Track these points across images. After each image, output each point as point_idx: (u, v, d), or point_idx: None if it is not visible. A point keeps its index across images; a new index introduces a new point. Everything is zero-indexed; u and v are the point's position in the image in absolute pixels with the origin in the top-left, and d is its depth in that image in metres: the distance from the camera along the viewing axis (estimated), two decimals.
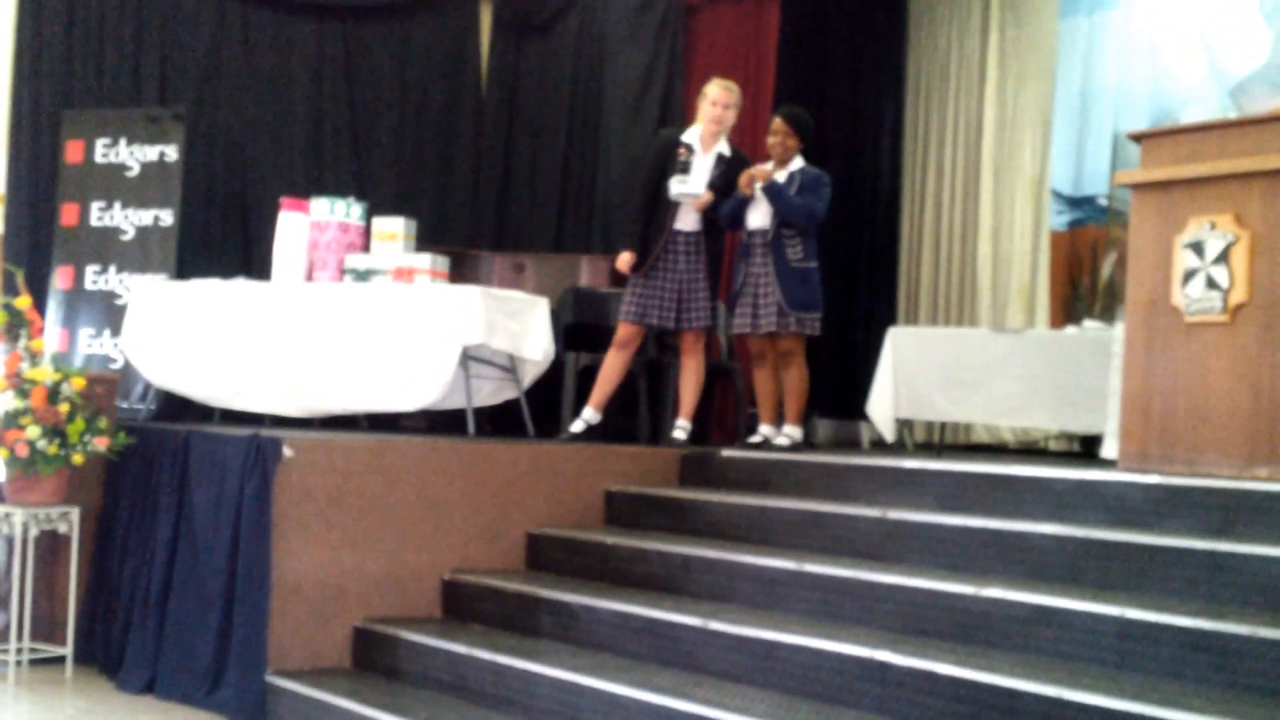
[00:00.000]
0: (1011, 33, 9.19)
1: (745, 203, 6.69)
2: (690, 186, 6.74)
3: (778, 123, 6.74)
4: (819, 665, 4.37)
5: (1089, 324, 7.38)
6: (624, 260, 6.90)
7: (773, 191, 6.58)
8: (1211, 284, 4.86)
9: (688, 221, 6.82)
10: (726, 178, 6.78)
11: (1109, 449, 6.19)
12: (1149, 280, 5.09)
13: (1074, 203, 8.65)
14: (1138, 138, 5.35)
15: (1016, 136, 9.10)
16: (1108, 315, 7.80)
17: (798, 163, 6.72)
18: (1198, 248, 4.91)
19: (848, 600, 4.76)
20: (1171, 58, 8.04)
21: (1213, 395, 4.85)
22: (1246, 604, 4.12)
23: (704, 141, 6.87)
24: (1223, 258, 4.84)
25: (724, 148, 6.87)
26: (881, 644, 4.31)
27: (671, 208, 6.80)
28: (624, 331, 6.89)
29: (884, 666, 4.19)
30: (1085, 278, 8.51)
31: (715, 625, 4.70)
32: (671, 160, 6.80)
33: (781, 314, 6.56)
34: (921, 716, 4.06)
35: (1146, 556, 4.41)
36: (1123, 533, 4.59)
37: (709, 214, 6.79)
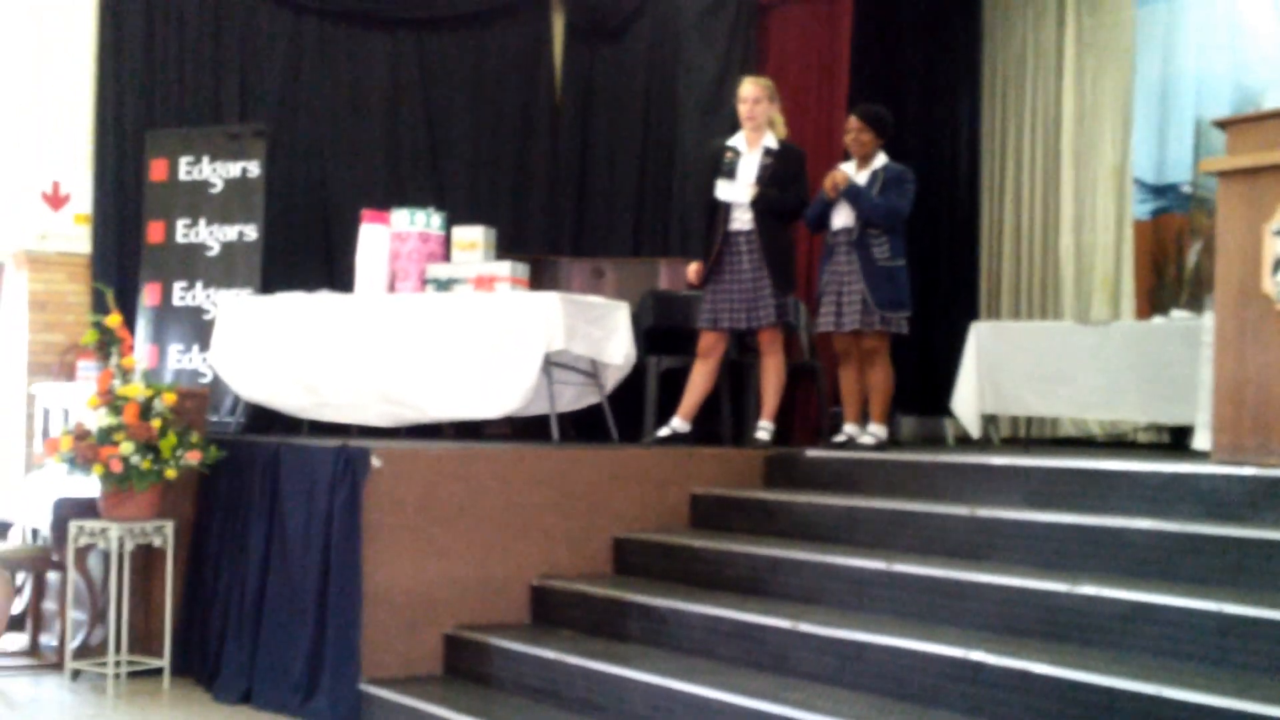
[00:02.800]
0: (1088, 21, 9.07)
1: (829, 205, 6.68)
2: (733, 190, 6.77)
3: (852, 120, 6.75)
4: (910, 666, 4.34)
5: (1176, 314, 7.27)
6: (692, 270, 7.00)
7: (852, 194, 6.56)
8: None
9: (742, 221, 6.82)
10: (775, 171, 6.78)
11: (1200, 440, 6.10)
12: (1238, 268, 5.01)
13: (1157, 191, 8.52)
14: (1222, 124, 5.28)
15: (1096, 126, 8.98)
16: (1195, 304, 7.67)
17: (880, 159, 6.68)
18: None
19: (938, 600, 4.72)
20: (1252, 41, 7.90)
21: None
22: None
23: (748, 140, 6.88)
24: None
25: (770, 142, 6.86)
26: (974, 644, 4.28)
27: (724, 211, 6.82)
28: (704, 340, 6.92)
29: (977, 666, 4.15)
30: (1171, 267, 8.38)
31: (805, 627, 4.69)
32: (720, 166, 6.85)
33: (866, 311, 6.52)
34: (1016, 717, 4.02)
35: (1243, 550, 4.35)
36: (1219, 526, 4.52)
37: (764, 212, 6.77)
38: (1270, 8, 7.80)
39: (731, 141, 6.98)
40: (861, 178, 6.65)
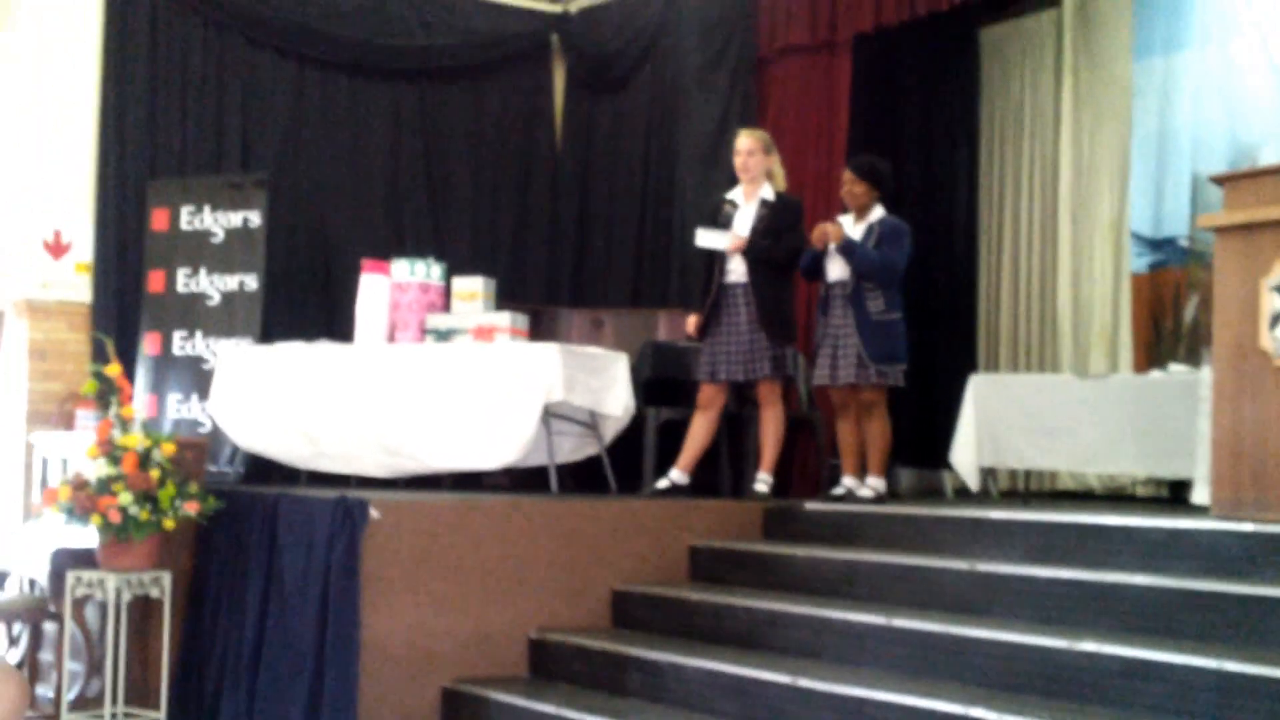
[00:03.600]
0: (1085, 76, 9.13)
1: (821, 256, 6.71)
2: (710, 239, 6.81)
3: (846, 173, 6.79)
4: None
5: (1174, 367, 7.29)
6: (690, 322, 7.05)
7: (846, 249, 6.57)
8: None
9: (737, 274, 6.85)
10: (770, 221, 6.82)
11: (1199, 494, 6.10)
12: (1235, 324, 5.03)
13: (1154, 245, 8.55)
14: (1220, 180, 5.32)
15: (1094, 179, 9.03)
16: (1193, 358, 7.69)
17: (878, 212, 6.71)
18: None
19: (938, 655, 4.71)
20: (1247, 96, 7.96)
21: None
22: None
23: (745, 192, 6.93)
24: None
25: (767, 194, 6.91)
26: (974, 700, 4.26)
27: (720, 263, 6.85)
28: (703, 392, 6.94)
29: None
30: (1168, 320, 8.40)
31: (804, 682, 4.67)
32: (718, 218, 6.92)
33: (861, 365, 6.54)
34: None
35: (1244, 607, 4.34)
36: (1219, 582, 4.52)
37: (757, 263, 6.80)
38: (1265, 64, 7.86)
39: (730, 194, 7.03)
40: (858, 231, 6.67)
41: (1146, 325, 8.49)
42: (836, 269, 6.68)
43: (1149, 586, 4.61)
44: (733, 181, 7.09)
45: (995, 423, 7.43)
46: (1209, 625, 4.39)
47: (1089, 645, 4.32)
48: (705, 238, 6.83)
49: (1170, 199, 8.37)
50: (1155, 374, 7.32)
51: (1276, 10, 7.79)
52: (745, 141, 6.96)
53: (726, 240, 6.79)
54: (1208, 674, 4.01)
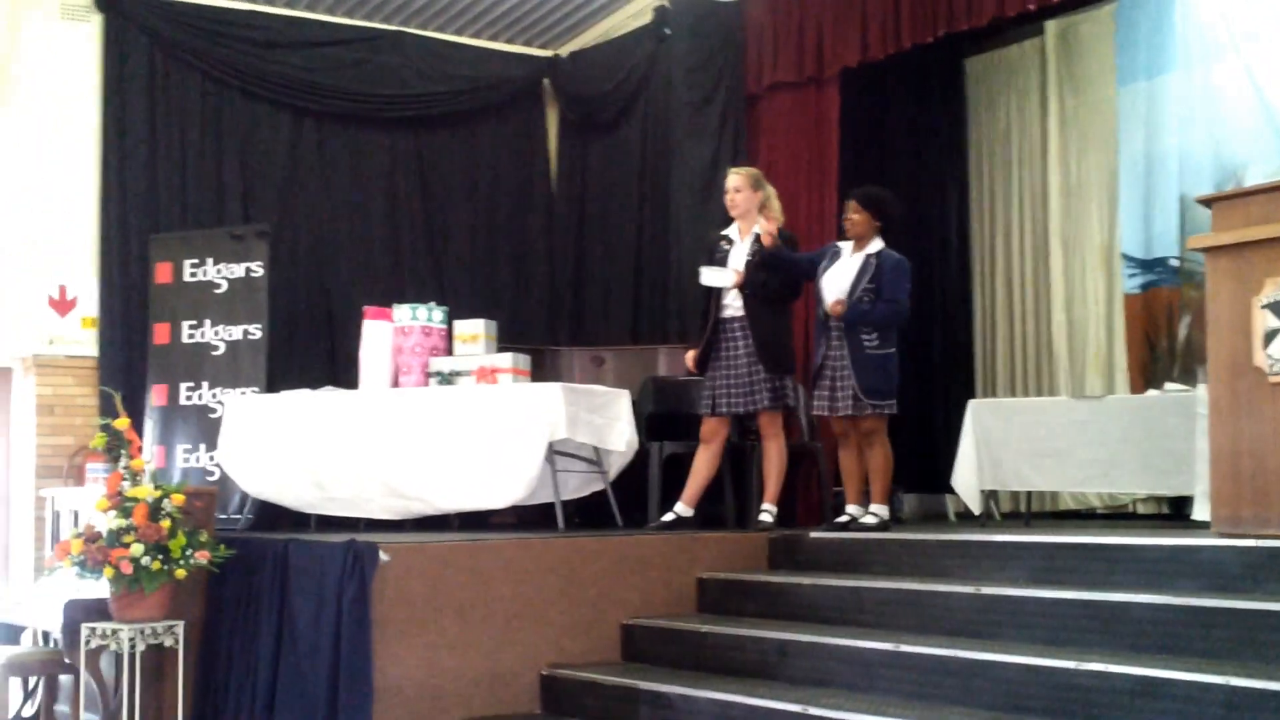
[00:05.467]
0: (1071, 101, 9.25)
1: (796, 264, 6.86)
2: (712, 276, 6.91)
3: (850, 203, 6.82)
4: None
5: (1170, 386, 7.36)
6: (689, 358, 7.15)
7: (852, 318, 6.59)
8: None
9: (733, 308, 6.95)
10: (764, 255, 6.90)
11: (1200, 511, 6.16)
12: (1229, 342, 5.10)
13: (1146, 265, 8.64)
14: (1207, 202, 5.39)
15: (1083, 203, 9.13)
16: (1188, 377, 7.77)
17: (876, 244, 6.74)
18: (1277, 308, 4.92)
19: (946, 680, 4.74)
20: (1231, 117, 8.05)
21: None
22: None
23: (740, 229, 7.05)
24: None
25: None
26: None
27: (716, 298, 6.95)
28: (705, 426, 7.02)
29: None
30: (1163, 340, 8.48)
31: (814, 711, 4.70)
32: (714, 255, 7.02)
33: (857, 399, 6.59)
34: None
35: (1249, 623, 4.38)
36: (1223, 599, 4.56)
37: (752, 297, 6.89)
38: (1248, 85, 7.96)
39: (726, 231, 7.12)
40: (855, 261, 6.70)
41: (1141, 345, 8.57)
42: (833, 296, 6.71)
43: (1153, 604, 4.65)
44: (728, 219, 7.18)
45: (995, 446, 7.50)
46: (1214, 642, 4.43)
47: (1096, 665, 4.36)
48: (709, 276, 6.92)
49: (1159, 220, 8.46)
50: (1152, 393, 7.39)
51: (1256, 33, 7.90)
52: (732, 179, 7.09)
53: (729, 278, 6.88)
54: (1215, 690, 4.03)
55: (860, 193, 6.85)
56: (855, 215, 6.75)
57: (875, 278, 6.63)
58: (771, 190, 7.15)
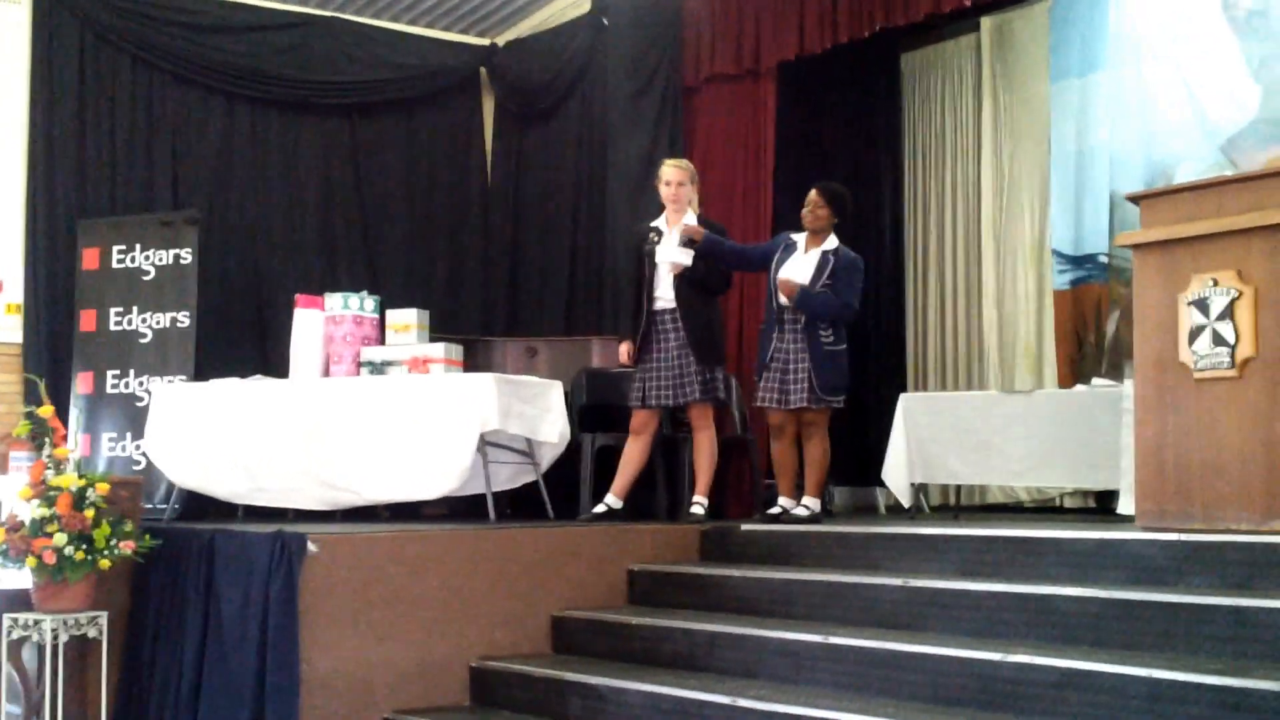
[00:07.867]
0: (1005, 98, 9.33)
1: (743, 254, 6.93)
2: (673, 253, 6.89)
3: (813, 194, 6.77)
4: None
5: (1098, 382, 7.43)
6: (622, 351, 7.16)
7: (802, 303, 6.61)
8: (1218, 340, 4.93)
9: (665, 300, 6.97)
10: (706, 244, 6.90)
11: (1125, 505, 6.24)
12: (1155, 338, 5.16)
13: (1076, 261, 8.70)
14: (1136, 199, 5.45)
15: (1015, 199, 9.21)
16: (1115, 372, 7.84)
17: (832, 241, 6.75)
18: (1202, 305, 4.98)
19: (874, 671, 4.77)
20: (1162, 115, 8.12)
21: (1226, 450, 4.90)
22: (1276, 659, 4.13)
23: (669, 220, 7.05)
24: (1227, 313, 4.92)
25: (690, 219, 7.03)
26: (910, 715, 4.34)
27: (649, 290, 6.95)
28: (636, 418, 7.03)
29: None
30: (1091, 335, 8.56)
31: (743, 702, 4.71)
32: (644, 246, 7.03)
33: (812, 392, 6.60)
34: None
35: (1171, 615, 4.43)
36: (1146, 592, 4.62)
37: (687, 288, 6.91)
38: (1179, 84, 8.04)
39: (655, 222, 7.12)
40: (811, 256, 6.71)
41: (1070, 341, 8.65)
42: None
43: (1079, 597, 4.70)
44: (662, 209, 7.18)
45: (925, 440, 7.55)
46: (1137, 634, 4.48)
47: (1021, 657, 4.40)
48: (669, 254, 6.89)
49: (1089, 217, 8.53)
50: (1079, 388, 7.47)
51: (1188, 34, 7.98)
52: (674, 173, 7.07)
53: (688, 256, 6.85)
54: (1138, 682, 4.08)
55: (824, 186, 6.83)
56: (820, 210, 6.73)
57: (832, 276, 6.65)
58: (697, 186, 7.19)
